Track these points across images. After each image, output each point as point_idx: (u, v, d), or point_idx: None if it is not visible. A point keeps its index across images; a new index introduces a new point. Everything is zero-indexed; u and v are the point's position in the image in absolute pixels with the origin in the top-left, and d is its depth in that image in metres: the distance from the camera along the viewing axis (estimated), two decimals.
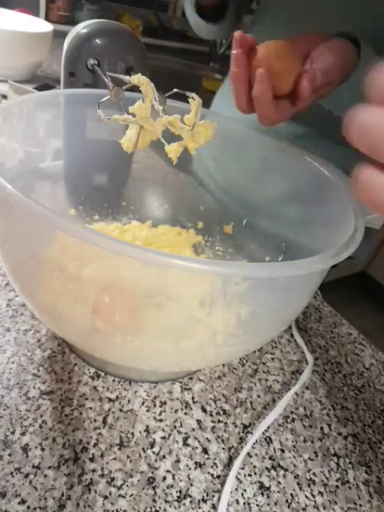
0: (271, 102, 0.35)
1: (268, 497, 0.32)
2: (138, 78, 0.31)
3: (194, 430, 0.35)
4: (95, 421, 0.33)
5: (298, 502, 0.32)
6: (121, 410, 0.35)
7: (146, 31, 1.69)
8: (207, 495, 0.31)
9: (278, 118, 0.36)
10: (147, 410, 0.35)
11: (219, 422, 0.36)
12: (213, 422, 0.36)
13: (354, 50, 0.38)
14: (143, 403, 0.36)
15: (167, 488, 0.31)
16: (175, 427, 0.35)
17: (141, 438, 0.33)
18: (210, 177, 0.57)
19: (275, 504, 0.32)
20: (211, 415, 0.37)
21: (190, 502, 0.30)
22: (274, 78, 0.33)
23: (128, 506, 0.29)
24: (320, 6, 0.49)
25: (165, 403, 0.36)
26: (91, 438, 0.32)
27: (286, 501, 0.32)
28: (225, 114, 0.45)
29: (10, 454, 0.30)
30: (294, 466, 0.35)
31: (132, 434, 0.33)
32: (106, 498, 0.29)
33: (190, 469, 0.32)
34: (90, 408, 0.34)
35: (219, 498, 0.31)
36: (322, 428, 0.39)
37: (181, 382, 0.39)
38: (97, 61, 0.41)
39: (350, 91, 0.38)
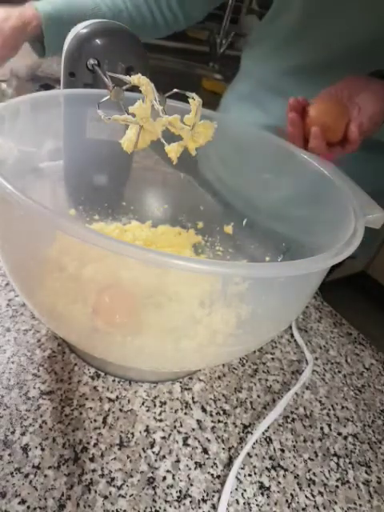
0: (325, 151, 0.41)
1: (268, 497, 0.32)
2: (138, 78, 0.31)
3: (194, 430, 0.35)
4: (95, 421, 0.33)
5: (298, 502, 0.32)
6: (121, 410, 0.35)
7: None
8: (207, 495, 0.31)
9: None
10: (147, 410, 0.35)
11: (219, 422, 0.36)
12: (213, 422, 0.36)
13: None
14: (143, 403, 0.36)
15: (167, 488, 0.31)
16: (175, 427, 0.35)
17: (141, 438, 0.33)
18: (215, 176, 0.57)
19: (275, 504, 0.32)
20: (211, 415, 0.37)
21: (190, 502, 0.30)
22: (326, 131, 0.40)
23: (128, 506, 0.29)
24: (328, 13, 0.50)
25: (165, 403, 0.36)
26: (91, 438, 0.32)
27: (286, 501, 0.32)
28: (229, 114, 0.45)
29: (10, 454, 0.30)
30: (294, 466, 0.35)
31: (132, 434, 0.33)
32: (106, 497, 0.29)
33: (189, 469, 0.32)
34: (90, 408, 0.34)
35: (219, 498, 0.31)
36: (321, 428, 0.39)
37: (181, 382, 0.39)
38: (97, 61, 0.41)
39: None
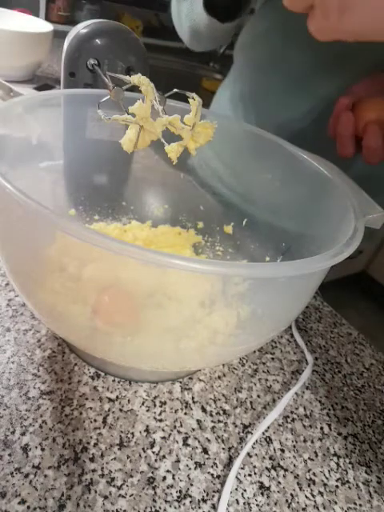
0: (382, 148, 0.40)
1: (268, 497, 0.32)
2: (138, 78, 0.31)
3: (194, 430, 0.35)
4: (95, 421, 0.33)
5: (297, 502, 0.32)
6: (121, 410, 0.35)
7: (145, 31, 1.69)
8: (207, 495, 0.31)
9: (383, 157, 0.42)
10: (147, 410, 0.35)
11: (219, 421, 0.36)
12: (213, 422, 0.36)
13: None
14: (143, 403, 0.36)
15: (167, 488, 0.31)
16: (175, 427, 0.35)
17: (141, 438, 0.33)
18: (215, 176, 0.56)
19: (275, 504, 0.32)
20: (211, 415, 0.37)
21: (190, 502, 0.30)
22: (381, 127, 0.39)
23: (128, 506, 0.29)
24: None
25: (165, 403, 0.36)
26: (91, 437, 0.32)
27: (286, 501, 0.32)
28: (224, 114, 0.45)
29: (10, 454, 0.30)
30: (294, 466, 0.35)
31: (132, 433, 0.33)
32: (106, 497, 0.29)
33: (189, 469, 0.32)
34: (90, 408, 0.34)
35: (219, 498, 0.31)
36: (321, 428, 0.39)
37: (181, 382, 0.39)
38: (97, 61, 0.40)
39: None
